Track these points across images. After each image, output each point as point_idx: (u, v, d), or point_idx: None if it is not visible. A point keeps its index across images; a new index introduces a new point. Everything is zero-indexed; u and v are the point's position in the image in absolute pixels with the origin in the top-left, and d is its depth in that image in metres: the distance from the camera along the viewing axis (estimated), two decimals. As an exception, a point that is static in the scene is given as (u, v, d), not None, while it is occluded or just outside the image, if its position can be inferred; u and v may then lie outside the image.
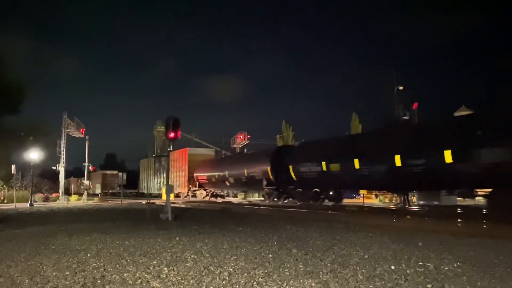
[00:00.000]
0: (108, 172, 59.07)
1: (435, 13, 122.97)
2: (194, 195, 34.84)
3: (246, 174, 26.24)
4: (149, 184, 46.29)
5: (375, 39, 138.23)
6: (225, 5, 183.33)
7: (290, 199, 24.08)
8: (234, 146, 44.49)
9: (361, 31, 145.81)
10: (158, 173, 43.09)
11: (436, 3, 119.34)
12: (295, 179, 21.34)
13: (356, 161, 17.14)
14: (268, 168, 23.71)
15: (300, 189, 22.06)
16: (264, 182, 24.21)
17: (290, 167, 21.38)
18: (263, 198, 27.88)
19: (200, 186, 33.70)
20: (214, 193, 33.58)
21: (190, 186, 34.58)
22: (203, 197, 33.19)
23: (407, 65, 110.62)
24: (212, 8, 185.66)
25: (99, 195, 42.16)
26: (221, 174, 29.28)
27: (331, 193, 21.58)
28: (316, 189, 21.29)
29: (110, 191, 52.69)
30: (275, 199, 24.90)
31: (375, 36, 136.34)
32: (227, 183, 28.94)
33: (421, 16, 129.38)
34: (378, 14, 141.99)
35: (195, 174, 33.56)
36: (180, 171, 36.34)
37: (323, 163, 18.94)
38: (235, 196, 36.06)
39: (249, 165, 26.54)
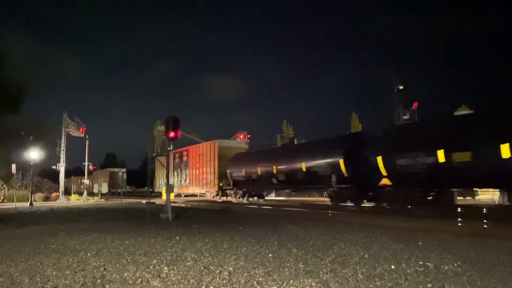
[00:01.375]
0: (117, 169, 55.99)
1: (435, 13, 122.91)
2: (225, 194, 29.79)
3: (304, 169, 21.07)
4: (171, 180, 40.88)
5: (375, 39, 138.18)
6: (225, 5, 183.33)
7: (373, 202, 18.26)
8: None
9: (362, 31, 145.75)
10: (178, 170, 38.25)
11: (437, 2, 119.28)
12: (385, 174, 16.01)
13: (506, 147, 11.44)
14: (341, 161, 18.36)
15: (393, 189, 16.19)
16: (333, 179, 18.97)
17: (379, 158, 15.98)
18: (327, 199, 21.60)
19: (236, 184, 27.95)
20: (253, 193, 27.95)
21: (221, 184, 29.38)
22: (238, 198, 28.10)
23: (408, 65, 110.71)
24: (212, 7, 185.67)
25: (106, 194, 40.54)
26: (266, 169, 24.16)
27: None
28: (423, 188, 15.09)
29: (118, 191, 48.21)
30: (351, 201, 19.09)
31: (375, 35, 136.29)
32: (275, 181, 23.68)
33: (422, 15, 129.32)
34: (378, 14, 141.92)
35: (228, 170, 28.26)
36: (206, 167, 31.12)
37: (440, 152, 13.43)
38: (288, 195, 30.89)
39: (309, 158, 21.23)
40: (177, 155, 36.85)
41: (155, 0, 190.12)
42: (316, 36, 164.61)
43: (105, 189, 46.67)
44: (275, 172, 23.30)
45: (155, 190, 42.59)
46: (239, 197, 27.83)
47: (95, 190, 57.12)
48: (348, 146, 18.78)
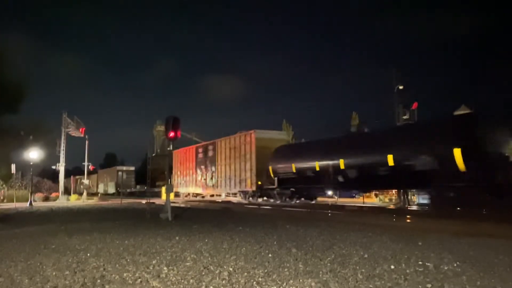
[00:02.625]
0: (125, 168, 52.73)
1: (436, 13, 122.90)
2: (266, 195, 25.31)
3: (391, 163, 16.29)
4: (188, 179, 35.27)
5: (376, 39, 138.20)
6: (225, 5, 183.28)
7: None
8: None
9: (362, 31, 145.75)
10: (202, 167, 32.47)
11: (437, 3, 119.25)
12: None
13: None
14: (456, 152, 13.52)
15: None
16: (443, 176, 14.11)
17: None
18: (425, 203, 16.83)
19: (282, 182, 22.91)
20: (305, 193, 22.83)
21: (260, 183, 24.86)
22: (284, 200, 23.32)
23: (408, 65, 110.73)
24: (212, 7, 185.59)
25: (113, 194, 38.81)
26: (328, 164, 19.21)
27: None
28: None
29: (127, 191, 45.66)
30: (471, 207, 13.60)
31: (376, 35, 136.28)
32: (340, 178, 18.80)
33: (422, 16, 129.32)
34: (378, 14, 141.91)
35: (271, 166, 23.34)
36: (240, 162, 26.59)
37: None
38: (353, 196, 24.02)
39: (398, 147, 16.42)
40: (200, 150, 32.43)
41: (155, 1, 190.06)
42: (316, 35, 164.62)
43: (112, 188, 44.22)
44: (342, 167, 18.36)
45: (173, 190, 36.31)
46: (285, 199, 23.22)
47: (101, 190, 55.91)
48: (465, 130, 13.98)
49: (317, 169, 19.98)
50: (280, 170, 22.95)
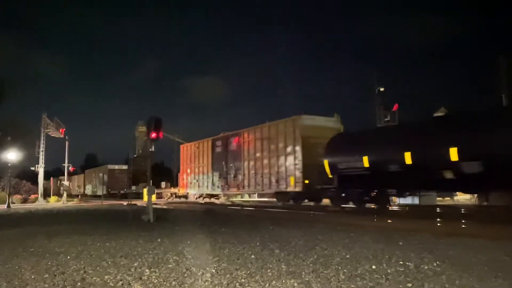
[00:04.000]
0: (117, 167, 47.37)
1: (418, 15, 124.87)
2: (318, 197, 20.15)
3: None
4: (201, 178, 28.58)
5: (358, 40, 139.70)
6: (209, 6, 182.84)
7: None
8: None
9: (344, 33, 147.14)
10: (222, 164, 26.03)
11: (421, 5, 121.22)
12: None
13: None
14: None
15: None
16: None
17: None
18: None
19: (345, 180, 16.91)
20: (381, 196, 16.44)
21: (308, 182, 19.25)
22: (347, 202, 17.63)
23: (389, 67, 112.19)
24: (196, 8, 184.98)
25: (105, 196, 34.53)
26: (427, 155, 13.66)
27: None
28: None
29: (120, 192, 42.18)
30: None
31: (358, 37, 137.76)
32: (449, 175, 12.89)
33: (404, 17, 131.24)
34: (361, 16, 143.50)
35: (328, 160, 17.46)
36: (278, 156, 21.05)
37: None
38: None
39: None
40: (218, 143, 26.65)
41: (138, 1, 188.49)
42: (300, 36, 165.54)
43: (101, 190, 41.37)
44: (454, 159, 12.58)
45: (180, 191, 32.88)
46: (349, 202, 17.58)
47: (88, 191, 52.58)
48: None
49: (408, 162, 14.08)
50: (342, 165, 17.09)
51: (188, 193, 31.29)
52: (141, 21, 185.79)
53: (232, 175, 24.87)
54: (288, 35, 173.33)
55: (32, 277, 4.61)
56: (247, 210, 18.87)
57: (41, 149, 32.67)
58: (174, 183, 41.93)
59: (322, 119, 21.33)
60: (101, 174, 40.59)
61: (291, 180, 20.05)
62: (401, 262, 5.16)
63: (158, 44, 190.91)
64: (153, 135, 12.79)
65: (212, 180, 27.08)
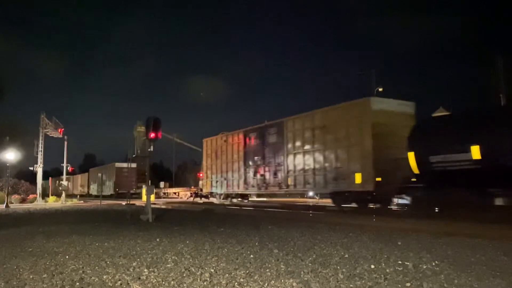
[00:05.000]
0: (125, 165, 42.69)
1: (416, 15, 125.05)
2: (388, 198, 16.52)
3: None
4: (231, 175, 25.01)
5: (357, 40, 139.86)
6: (207, 5, 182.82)
7: None
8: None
9: (345, 32, 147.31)
10: (258, 156, 22.47)
11: (418, 5, 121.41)
12: None
13: None
14: None
15: None
16: None
17: None
18: None
19: (439, 178, 13.04)
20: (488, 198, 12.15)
21: (380, 179, 15.56)
22: (441, 206, 13.37)
23: (389, 66, 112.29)
24: (194, 7, 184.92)
25: (111, 196, 32.59)
26: None
27: None
28: None
29: (130, 192, 37.32)
30: None
31: (358, 37, 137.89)
32: None
33: (403, 17, 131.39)
34: (360, 15, 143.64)
35: (416, 152, 13.69)
36: (337, 147, 17.47)
37: None
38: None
39: None
40: (252, 135, 23.01)
41: (138, 1, 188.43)
42: (298, 36, 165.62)
43: (109, 189, 38.32)
44: None
45: (204, 190, 29.29)
46: (444, 206, 13.17)
47: (94, 191, 48.81)
48: None
49: None
50: (435, 158, 13.19)
51: (212, 192, 27.91)
52: (141, 20, 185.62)
53: (271, 172, 21.29)
54: (289, 36, 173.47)
55: (31, 277, 4.60)
56: (246, 210, 18.87)
57: (40, 149, 32.58)
58: (173, 183, 41.80)
59: (394, 102, 17.55)
60: (108, 173, 39.08)
61: (357, 177, 16.34)
62: (399, 262, 5.17)
63: (157, 43, 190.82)
64: (152, 135, 12.79)
65: (245, 178, 23.43)
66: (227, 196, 26.35)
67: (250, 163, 23.07)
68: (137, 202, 25.58)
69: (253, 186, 22.91)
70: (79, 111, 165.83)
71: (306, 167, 19.05)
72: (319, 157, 18.35)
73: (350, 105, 17.46)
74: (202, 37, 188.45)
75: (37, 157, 32.90)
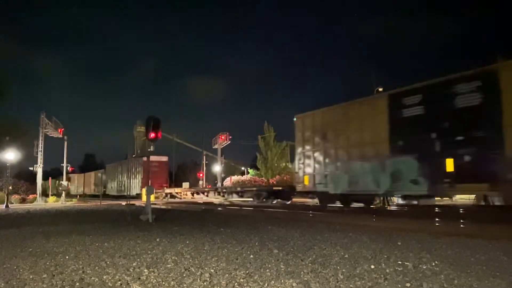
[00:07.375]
0: (156, 158, 37.70)
1: (418, 16, 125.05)
2: None
3: None
4: (362, 167, 16.50)
5: (357, 41, 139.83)
6: (206, 6, 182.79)
7: None
8: (215, 146, 44.41)
9: (342, 33, 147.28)
10: (429, 134, 13.95)
11: (420, 5, 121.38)
12: None
13: None
14: None
15: None
16: None
17: None
18: None
19: None
20: None
21: None
22: None
23: (389, 66, 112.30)
24: (193, 8, 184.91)
25: (138, 196, 30.11)
26: None
27: None
28: None
29: (165, 192, 35.24)
30: None
31: (357, 38, 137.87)
32: None
33: (404, 18, 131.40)
34: (360, 16, 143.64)
35: None
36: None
37: None
38: None
39: None
40: (409, 100, 14.79)
41: (136, 1, 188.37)
42: (296, 37, 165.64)
43: (136, 188, 33.06)
44: None
45: (298, 188, 20.23)
46: None
47: (112, 191, 45.21)
48: None
49: None
50: None
51: (316, 191, 19.06)
52: (140, 20, 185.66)
53: (466, 157, 12.93)
54: (287, 37, 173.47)
55: (31, 277, 4.60)
56: (245, 210, 18.86)
57: (40, 149, 32.63)
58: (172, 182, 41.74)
59: None
60: (134, 168, 33.64)
61: None
62: (399, 262, 5.17)
63: (157, 44, 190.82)
64: (152, 135, 12.77)
65: (392, 170, 15.25)
66: (345, 198, 18.00)
67: (404, 146, 14.99)
68: (137, 202, 25.60)
69: (416, 184, 14.38)
70: (79, 111, 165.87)
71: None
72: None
73: None
74: (202, 37, 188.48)
75: (37, 157, 32.94)
